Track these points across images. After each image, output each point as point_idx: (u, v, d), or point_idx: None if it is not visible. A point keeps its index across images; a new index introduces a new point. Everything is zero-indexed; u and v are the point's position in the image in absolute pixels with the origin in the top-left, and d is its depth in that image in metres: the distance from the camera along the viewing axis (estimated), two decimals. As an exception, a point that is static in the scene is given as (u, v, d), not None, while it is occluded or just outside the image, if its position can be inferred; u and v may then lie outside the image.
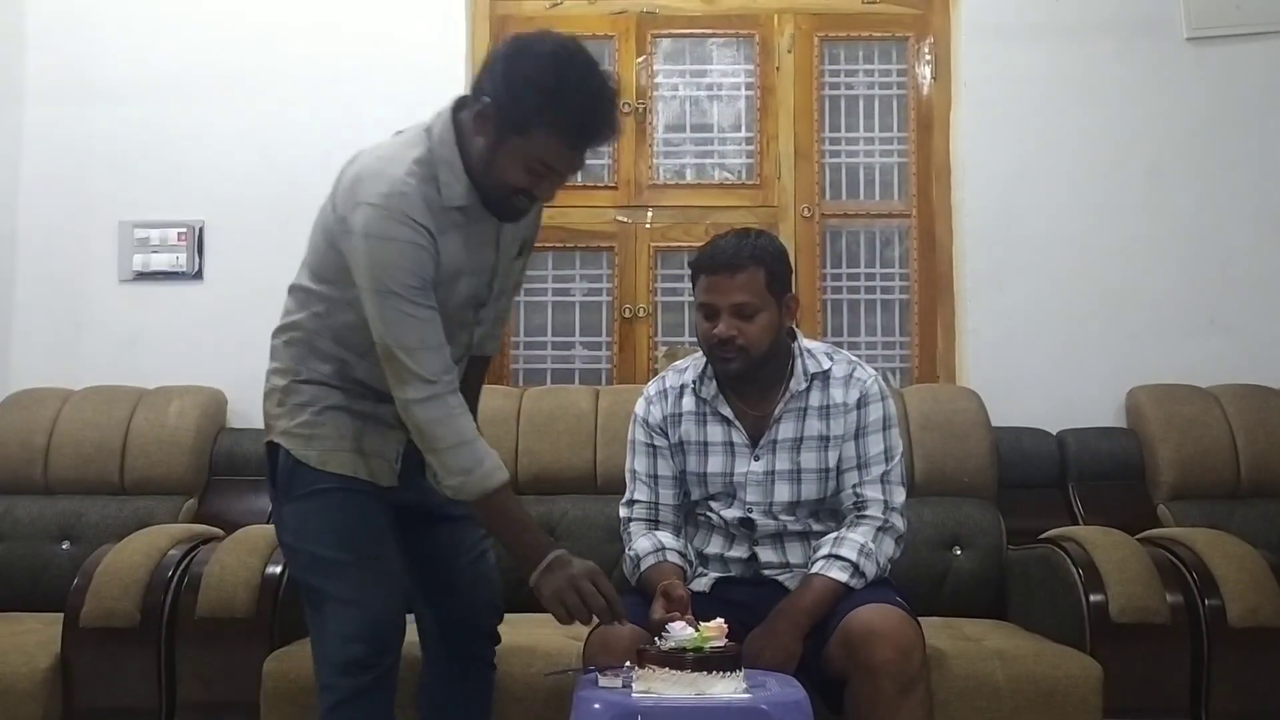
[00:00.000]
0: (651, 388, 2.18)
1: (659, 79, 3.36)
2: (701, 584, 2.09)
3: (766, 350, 2.01)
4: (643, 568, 2.04)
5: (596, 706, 1.58)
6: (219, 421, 3.04)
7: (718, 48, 3.38)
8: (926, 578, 2.65)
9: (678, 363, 2.21)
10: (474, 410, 1.86)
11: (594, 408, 2.92)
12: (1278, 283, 3.10)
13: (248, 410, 3.10)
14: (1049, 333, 3.10)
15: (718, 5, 3.34)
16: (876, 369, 2.18)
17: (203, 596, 2.28)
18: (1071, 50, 3.15)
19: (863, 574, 1.95)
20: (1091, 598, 2.26)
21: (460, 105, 1.76)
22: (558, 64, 1.66)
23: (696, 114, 3.38)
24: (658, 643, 1.66)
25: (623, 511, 2.15)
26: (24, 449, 2.88)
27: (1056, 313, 3.11)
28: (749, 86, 3.34)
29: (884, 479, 2.05)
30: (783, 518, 2.05)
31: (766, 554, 2.07)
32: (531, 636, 2.23)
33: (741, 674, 1.62)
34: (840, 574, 1.94)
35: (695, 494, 2.12)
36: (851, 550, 1.96)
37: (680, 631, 1.65)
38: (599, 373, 3.29)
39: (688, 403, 2.12)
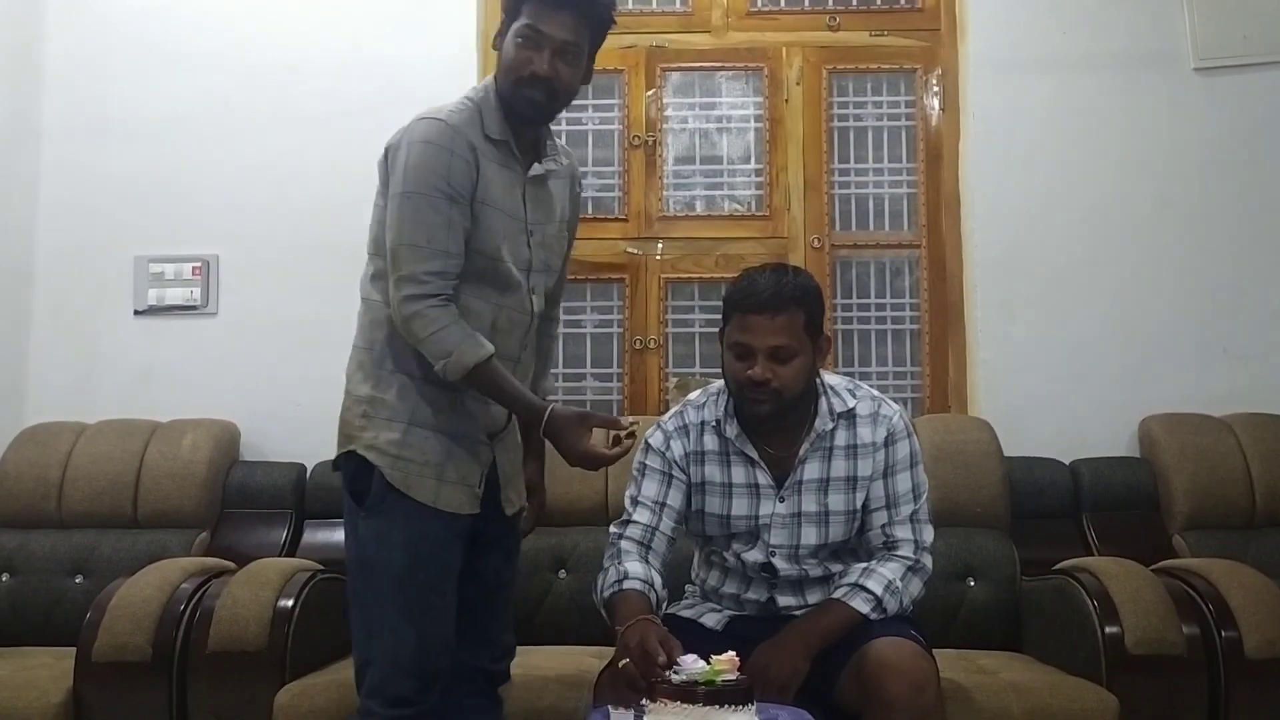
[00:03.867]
0: (670, 422, 2.10)
1: (668, 112, 3.38)
2: (713, 620, 2.07)
3: (800, 393, 1.97)
4: (625, 587, 1.92)
5: (609, 741, 1.57)
6: (232, 454, 3.05)
7: (726, 81, 3.40)
8: (941, 609, 2.63)
9: (692, 397, 2.14)
10: (549, 376, 2.09)
11: (605, 439, 2.90)
12: (1286, 310, 3.09)
13: (260, 443, 3.13)
14: (1060, 362, 3.09)
15: (726, 39, 3.37)
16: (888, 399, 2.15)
17: (214, 630, 2.28)
18: (1079, 82, 3.17)
19: (884, 609, 1.93)
20: (1107, 629, 2.24)
21: None
22: None
23: (706, 146, 3.40)
24: (670, 676, 1.65)
25: (614, 529, 2.06)
26: (39, 483, 2.90)
27: (1068, 342, 3.10)
28: (758, 119, 3.36)
29: (913, 519, 2.02)
30: (807, 562, 2.02)
31: (785, 599, 2.05)
32: (540, 669, 2.22)
33: (754, 708, 1.61)
34: (862, 605, 1.93)
35: (714, 533, 2.07)
36: (878, 584, 1.95)
37: (692, 665, 1.64)
38: (610, 404, 3.29)
39: (710, 442, 2.06)
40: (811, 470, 2.01)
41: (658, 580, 1.96)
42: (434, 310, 1.78)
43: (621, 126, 3.36)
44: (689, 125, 3.41)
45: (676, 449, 2.06)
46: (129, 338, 3.20)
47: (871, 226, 3.34)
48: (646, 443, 2.10)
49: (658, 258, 3.31)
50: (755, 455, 2.02)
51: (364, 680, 1.85)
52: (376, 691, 1.83)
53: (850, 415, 2.03)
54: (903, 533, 2.01)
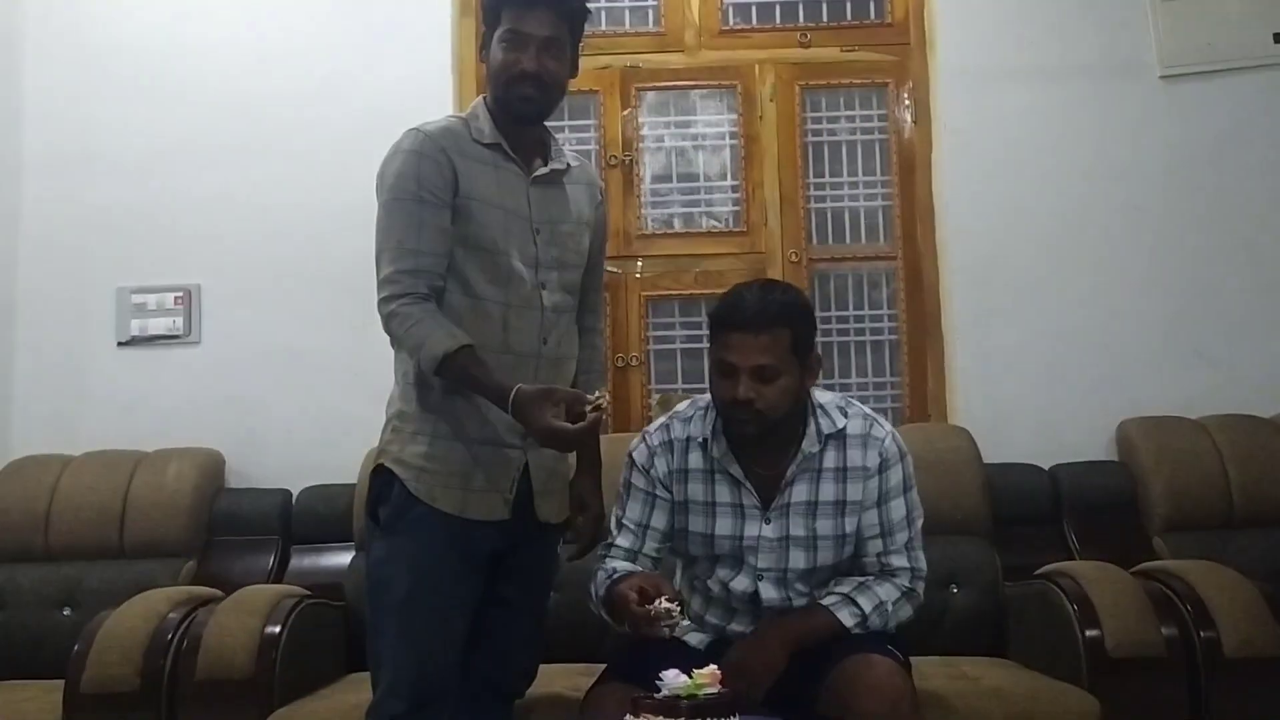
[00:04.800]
0: (655, 437, 2.05)
1: (644, 131, 3.42)
2: (695, 639, 2.06)
3: (786, 413, 1.92)
4: (615, 576, 1.94)
5: (593, 757, 1.59)
6: (217, 482, 3.06)
7: (701, 99, 3.44)
8: (925, 616, 2.56)
9: (679, 409, 2.09)
10: (594, 373, 2.11)
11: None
12: (1260, 313, 3.13)
13: (245, 470, 3.14)
14: (1037, 368, 3.13)
15: (700, 58, 3.41)
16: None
17: (202, 659, 2.29)
18: (1048, 91, 3.22)
19: (867, 626, 1.93)
20: (1087, 633, 2.27)
21: None
22: None
23: (683, 164, 3.44)
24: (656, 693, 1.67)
25: (599, 552, 2.05)
26: (25, 516, 2.91)
27: (1044, 348, 3.14)
28: (733, 136, 3.40)
29: (909, 546, 2.00)
30: (795, 587, 1.98)
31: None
32: (556, 686, 2.25)
33: (736, 720, 1.63)
34: (848, 619, 1.92)
35: (698, 553, 2.04)
36: (869, 603, 1.94)
37: (674, 680, 1.66)
38: (599, 420, 3.30)
39: (695, 460, 2.01)
40: (799, 493, 1.97)
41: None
42: (406, 307, 1.83)
43: (598, 146, 3.39)
44: (665, 144, 3.45)
45: (660, 467, 2.02)
46: (112, 369, 3.22)
47: (848, 239, 3.37)
48: (631, 458, 2.06)
49: (638, 276, 3.34)
50: (741, 475, 1.98)
51: (374, 692, 1.90)
52: (375, 709, 1.88)
53: (840, 436, 1.98)
54: (899, 561, 1.99)
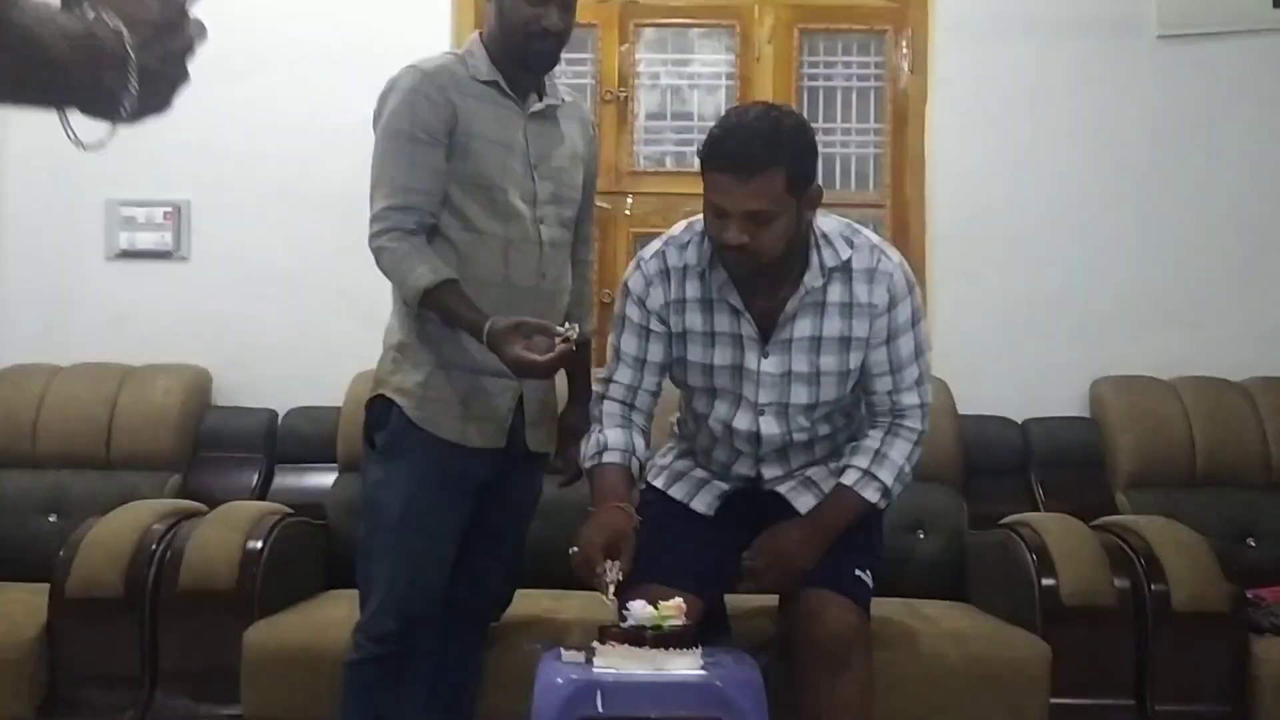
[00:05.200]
0: (651, 265, 1.96)
1: (640, 67, 3.41)
2: (704, 504, 2.05)
3: (782, 251, 1.82)
4: (605, 460, 1.93)
5: (559, 680, 1.66)
6: (204, 399, 3.10)
7: (699, 38, 3.43)
8: (891, 560, 2.64)
9: (674, 233, 1.99)
10: (584, 305, 2.16)
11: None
12: (1239, 279, 3.18)
13: (232, 388, 3.18)
14: (1016, 324, 3.17)
15: (700, -4, 3.39)
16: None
17: (185, 570, 2.35)
18: (1045, 48, 3.22)
19: (891, 497, 1.95)
20: (1043, 581, 2.35)
21: None
22: None
23: (677, 103, 3.44)
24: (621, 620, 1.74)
25: (596, 388, 2.03)
26: (12, 424, 2.95)
27: (1024, 305, 3.18)
28: (729, 76, 3.40)
29: (918, 383, 1.95)
30: (796, 420, 1.94)
31: (771, 470, 2.01)
32: (531, 610, 2.33)
33: (699, 651, 1.70)
34: (873, 495, 1.92)
35: (696, 383, 1.98)
36: (889, 473, 1.92)
37: (640, 610, 1.73)
38: (588, 352, 3.34)
39: (692, 288, 1.94)
40: (803, 328, 1.90)
41: (639, 444, 1.97)
42: (393, 242, 1.88)
43: (594, 81, 3.38)
44: (661, 81, 3.44)
45: (656, 297, 1.95)
46: (101, 281, 3.24)
47: (838, 186, 3.38)
48: (626, 286, 1.99)
49: (627, 213, 3.36)
50: (740, 305, 1.91)
51: (362, 611, 1.97)
52: (364, 626, 1.96)
53: (846, 269, 1.89)
54: (909, 399, 1.94)
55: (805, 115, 3.32)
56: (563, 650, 1.77)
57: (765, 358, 1.92)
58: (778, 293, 1.90)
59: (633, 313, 1.97)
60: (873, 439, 1.96)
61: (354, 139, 3.06)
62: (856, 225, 1.98)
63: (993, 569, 2.62)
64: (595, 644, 1.71)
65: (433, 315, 1.91)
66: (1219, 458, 2.90)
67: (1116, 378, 3.08)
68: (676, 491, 2.08)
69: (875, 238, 1.97)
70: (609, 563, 1.81)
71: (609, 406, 1.99)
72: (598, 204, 3.31)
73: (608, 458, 1.94)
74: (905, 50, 3.35)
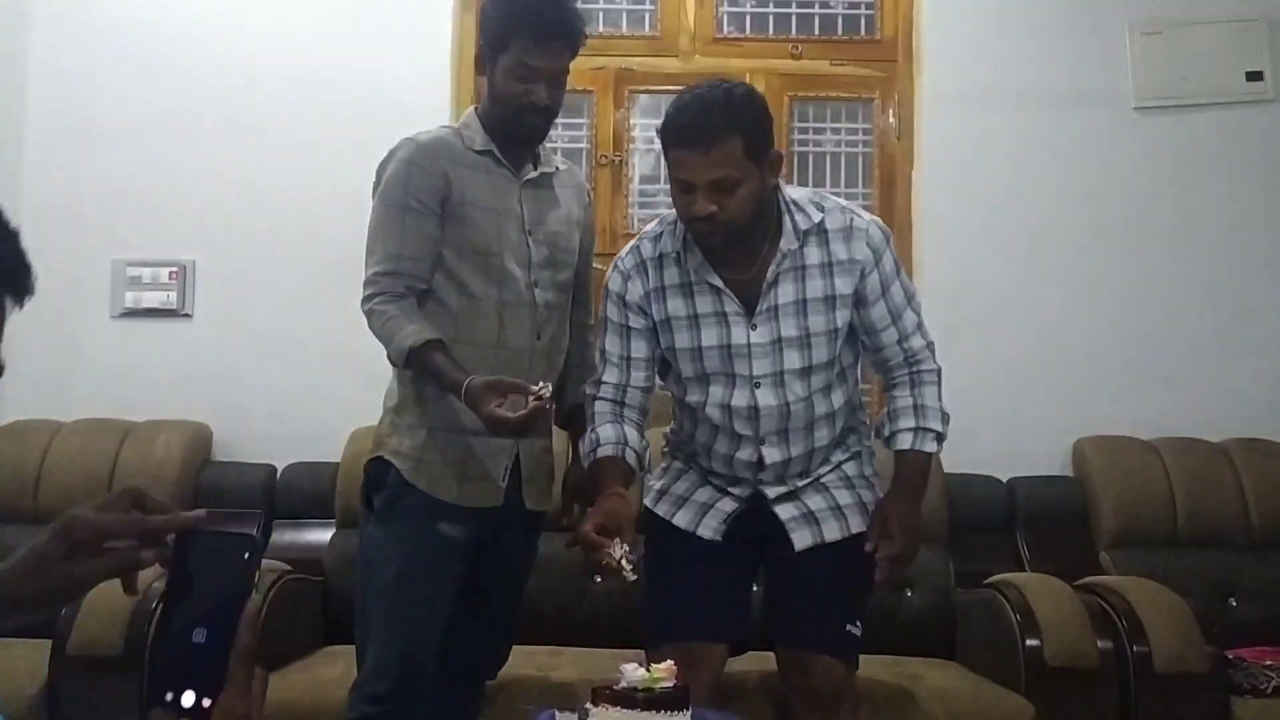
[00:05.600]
0: (627, 260, 1.99)
1: (635, 132, 3.51)
2: (709, 530, 2.02)
3: (750, 218, 1.85)
4: (599, 454, 1.94)
5: (552, 741, 1.70)
6: (204, 454, 3.15)
7: (692, 104, 3.52)
8: (878, 617, 2.69)
9: (647, 229, 2.03)
10: (585, 367, 2.15)
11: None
12: (1216, 341, 3.26)
13: (232, 444, 3.23)
14: (1001, 384, 3.24)
15: (693, 64, 3.49)
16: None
17: (185, 628, 2.37)
18: (1027, 117, 3.33)
19: (944, 439, 2.01)
20: (1028, 642, 2.40)
21: None
22: None
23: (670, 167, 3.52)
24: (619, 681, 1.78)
25: (588, 390, 2.03)
26: (15, 479, 2.99)
27: (1008, 365, 3.26)
28: (721, 141, 3.48)
29: (919, 326, 1.99)
30: (793, 388, 1.93)
31: (773, 453, 1.97)
32: (527, 668, 2.37)
33: (689, 713, 1.74)
34: (931, 445, 1.98)
35: (690, 372, 1.98)
36: (935, 419, 1.98)
37: (632, 672, 1.77)
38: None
39: (670, 275, 1.95)
40: (786, 293, 1.91)
41: (633, 435, 1.97)
42: (381, 305, 1.95)
43: (590, 145, 3.48)
44: (655, 146, 3.53)
45: (635, 290, 1.97)
46: (106, 339, 3.30)
47: (827, 248, 3.46)
48: (606, 287, 2.02)
49: (621, 273, 3.43)
50: (720, 284, 1.92)
51: (359, 671, 2.00)
52: (360, 687, 1.98)
53: (821, 231, 1.91)
54: (917, 342, 1.98)
55: (795, 180, 3.45)
56: (556, 713, 1.81)
57: (754, 330, 1.92)
58: (754, 264, 1.91)
59: (612, 312, 2.00)
60: (903, 397, 1.98)
61: (354, 203, 3.15)
62: (822, 192, 2.01)
63: (979, 628, 2.67)
64: (588, 705, 1.75)
65: (421, 376, 1.97)
66: (1200, 517, 2.97)
67: (1098, 437, 3.14)
68: (681, 519, 2.04)
69: (844, 202, 1.99)
70: (615, 542, 1.80)
71: (599, 406, 1.99)
72: (594, 266, 3.42)
73: (601, 452, 1.94)
74: (892, 118, 3.45)
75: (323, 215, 3.28)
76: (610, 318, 2.00)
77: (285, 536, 3.02)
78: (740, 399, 1.94)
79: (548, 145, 2.18)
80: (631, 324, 1.98)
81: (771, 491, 2.01)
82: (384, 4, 3.39)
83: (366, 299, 1.97)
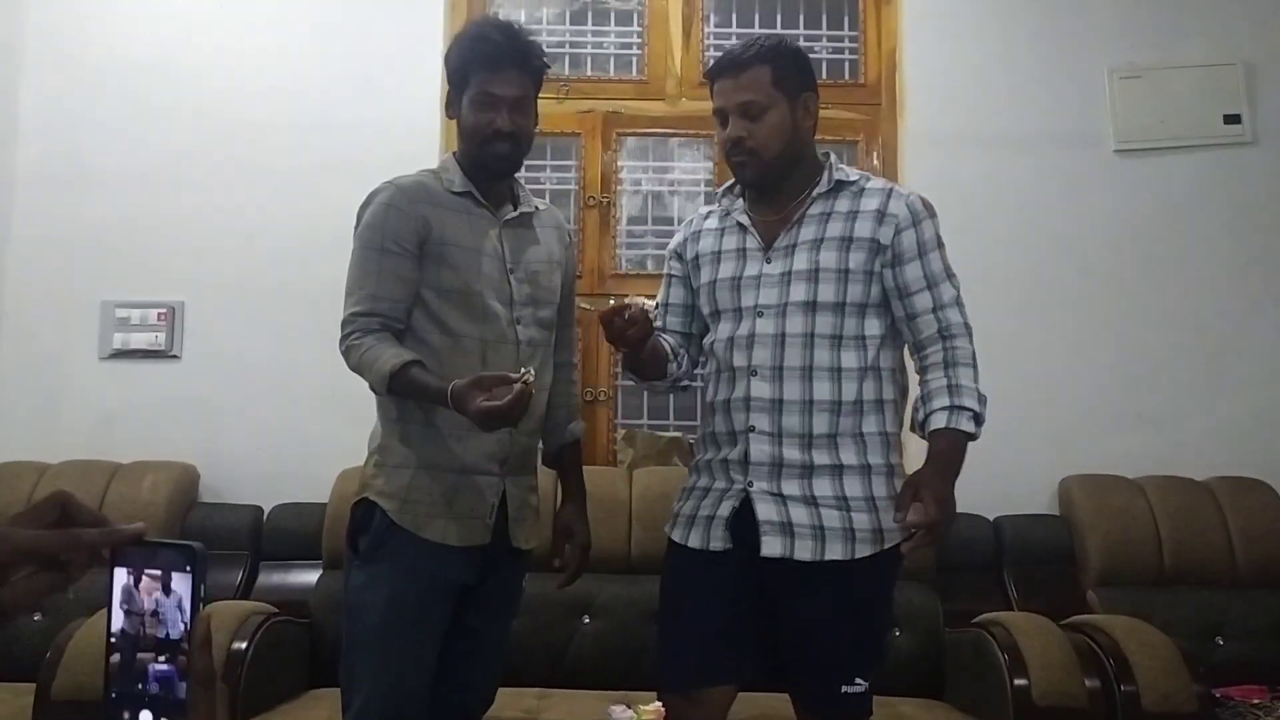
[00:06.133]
0: (688, 223, 2.15)
1: (623, 174, 3.55)
2: (718, 541, 1.96)
3: (781, 151, 1.93)
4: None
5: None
6: (190, 496, 3.14)
7: (678, 146, 3.58)
8: None
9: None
10: (570, 407, 2.21)
11: (629, 489, 3.03)
12: (1200, 380, 3.29)
13: (219, 485, 3.22)
14: (987, 423, 3.24)
15: (679, 107, 3.54)
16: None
17: (170, 671, 2.36)
18: (1009, 158, 3.37)
19: (982, 420, 1.94)
20: (1015, 681, 2.41)
21: None
22: (468, 26, 2.14)
23: (658, 207, 3.57)
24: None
25: None
26: (0, 521, 2.96)
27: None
28: (708, 183, 3.53)
29: (958, 302, 1.95)
30: (793, 320, 1.91)
31: (761, 387, 1.93)
32: (514, 710, 2.36)
33: (677, 756, 1.74)
34: (968, 424, 1.90)
35: (706, 309, 2.04)
36: (971, 398, 1.91)
37: (621, 714, 1.78)
38: (579, 452, 3.40)
39: (711, 221, 2.08)
40: (807, 233, 1.95)
41: (667, 340, 2.06)
42: (356, 339, 1.97)
43: (578, 187, 3.51)
44: (642, 187, 3.57)
45: (678, 238, 2.13)
46: (94, 380, 3.30)
47: (813, 288, 3.50)
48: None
49: (609, 313, 3.45)
50: (746, 221, 2.00)
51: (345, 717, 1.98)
52: None
53: (859, 190, 1.97)
54: (954, 315, 1.94)
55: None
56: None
57: (767, 263, 1.96)
58: (787, 208, 1.98)
59: (667, 266, 2.14)
60: (936, 379, 1.92)
61: (342, 246, 3.14)
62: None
63: (967, 668, 2.67)
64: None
65: (417, 417, 1.98)
66: (1186, 556, 2.98)
67: (1084, 476, 3.16)
68: (694, 539, 1.99)
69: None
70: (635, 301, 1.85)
71: None
72: (581, 305, 3.44)
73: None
74: (876, 160, 3.50)
75: (311, 257, 3.28)
76: (666, 271, 2.14)
77: (272, 578, 3.01)
78: (743, 329, 1.96)
79: (535, 186, 2.21)
80: (673, 271, 2.12)
81: (758, 487, 1.92)
82: (372, 48, 3.42)
83: (343, 338, 1.99)
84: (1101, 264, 3.33)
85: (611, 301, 2.05)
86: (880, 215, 1.93)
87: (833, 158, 2.03)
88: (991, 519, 3.13)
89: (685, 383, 2.13)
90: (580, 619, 2.87)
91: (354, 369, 1.98)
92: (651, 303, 1.90)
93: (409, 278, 1.99)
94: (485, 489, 2.00)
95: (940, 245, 1.97)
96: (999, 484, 3.18)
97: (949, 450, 1.88)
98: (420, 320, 2.01)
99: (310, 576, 2.96)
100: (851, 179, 1.98)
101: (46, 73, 3.40)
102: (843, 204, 1.96)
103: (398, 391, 1.93)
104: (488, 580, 2.05)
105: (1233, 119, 3.36)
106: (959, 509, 3.02)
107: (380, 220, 1.99)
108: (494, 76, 2.01)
